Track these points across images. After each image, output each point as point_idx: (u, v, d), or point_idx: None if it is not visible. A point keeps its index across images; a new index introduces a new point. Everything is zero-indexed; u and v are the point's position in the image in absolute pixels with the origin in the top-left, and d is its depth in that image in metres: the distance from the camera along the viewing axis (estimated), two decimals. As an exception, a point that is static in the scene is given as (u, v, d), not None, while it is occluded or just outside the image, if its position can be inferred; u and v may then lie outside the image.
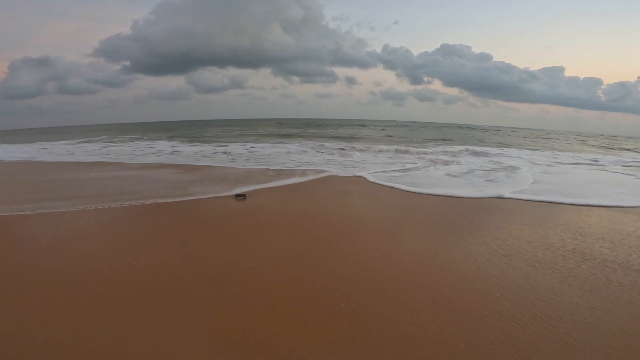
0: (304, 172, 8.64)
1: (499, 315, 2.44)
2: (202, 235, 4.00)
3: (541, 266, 3.21)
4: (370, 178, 7.89)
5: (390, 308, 2.53)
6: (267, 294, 2.70)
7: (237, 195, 5.94)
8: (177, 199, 5.68)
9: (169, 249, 3.55)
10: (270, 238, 3.93)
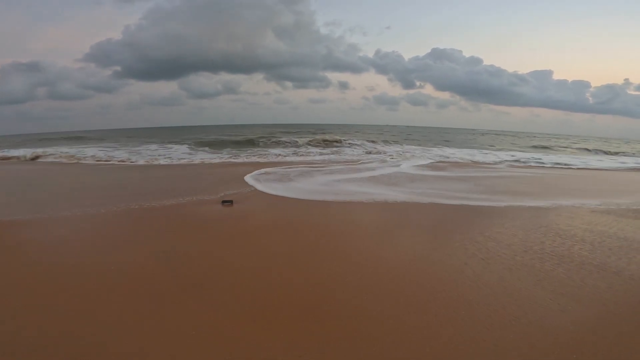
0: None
1: (469, 319, 2.42)
2: (184, 240, 3.98)
3: (517, 269, 3.19)
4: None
5: (363, 310, 2.52)
6: (242, 296, 2.69)
7: (224, 201, 5.94)
8: (164, 203, 5.66)
9: (148, 253, 3.55)
10: (253, 243, 3.92)
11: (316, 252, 3.65)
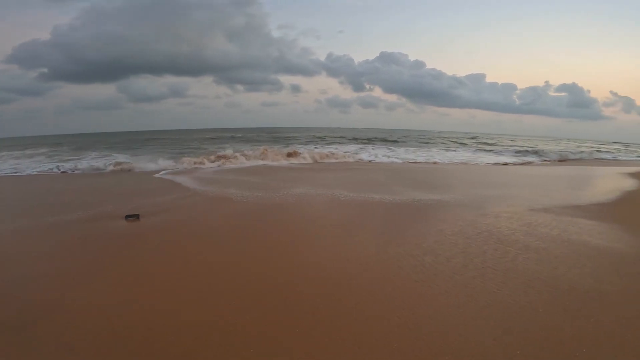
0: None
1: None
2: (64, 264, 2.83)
3: (456, 293, 2.54)
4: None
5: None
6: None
7: (127, 216, 4.81)
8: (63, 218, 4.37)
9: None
10: (146, 271, 2.88)
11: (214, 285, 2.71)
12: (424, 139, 29.99)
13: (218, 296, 2.56)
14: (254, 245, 3.68)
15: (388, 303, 2.44)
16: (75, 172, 11.33)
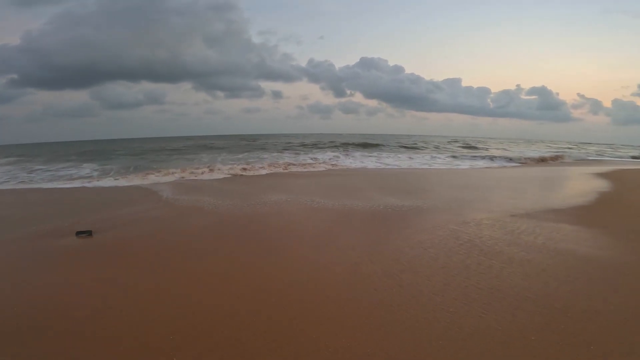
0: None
1: None
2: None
3: (436, 320, 2.19)
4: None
5: None
6: None
7: (78, 233, 4.30)
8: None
9: None
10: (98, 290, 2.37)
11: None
12: (404, 144, 30.22)
13: (152, 328, 2.12)
14: (202, 268, 3.23)
15: (359, 333, 2.07)
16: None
